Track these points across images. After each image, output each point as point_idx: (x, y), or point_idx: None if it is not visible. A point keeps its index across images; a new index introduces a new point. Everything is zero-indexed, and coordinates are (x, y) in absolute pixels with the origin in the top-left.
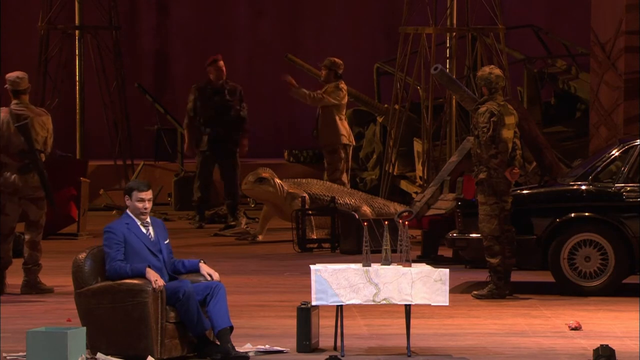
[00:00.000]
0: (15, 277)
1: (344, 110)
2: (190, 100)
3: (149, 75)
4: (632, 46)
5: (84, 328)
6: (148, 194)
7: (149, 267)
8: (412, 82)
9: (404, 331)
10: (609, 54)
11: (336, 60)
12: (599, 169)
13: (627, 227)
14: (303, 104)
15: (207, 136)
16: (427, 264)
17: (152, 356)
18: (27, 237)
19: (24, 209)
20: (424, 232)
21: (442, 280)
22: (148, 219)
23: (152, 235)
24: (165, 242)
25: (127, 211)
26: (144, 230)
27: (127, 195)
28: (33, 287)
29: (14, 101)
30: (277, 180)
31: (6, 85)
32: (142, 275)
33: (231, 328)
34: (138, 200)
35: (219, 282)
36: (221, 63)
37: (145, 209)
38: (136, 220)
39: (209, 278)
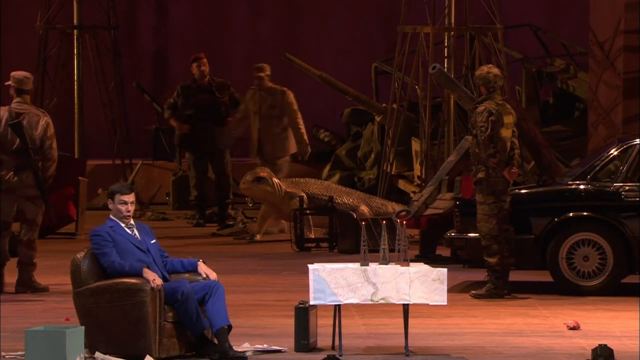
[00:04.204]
0: (13, 276)
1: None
2: (172, 97)
3: (147, 74)
4: (631, 45)
5: (83, 327)
6: (131, 197)
7: (147, 266)
8: (411, 81)
9: (402, 330)
10: (607, 53)
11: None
12: (597, 168)
13: (625, 227)
14: (302, 103)
15: (194, 134)
16: (425, 263)
17: (151, 355)
18: (23, 235)
19: (20, 207)
20: (422, 231)
21: (441, 280)
22: (132, 222)
23: (138, 236)
24: (152, 242)
25: (111, 215)
26: (128, 231)
27: (110, 199)
28: (27, 285)
29: (17, 99)
30: (275, 180)
31: (10, 83)
32: (139, 274)
33: (229, 327)
34: (120, 203)
35: (218, 281)
36: (204, 61)
37: (128, 211)
38: (120, 222)
39: (205, 277)
